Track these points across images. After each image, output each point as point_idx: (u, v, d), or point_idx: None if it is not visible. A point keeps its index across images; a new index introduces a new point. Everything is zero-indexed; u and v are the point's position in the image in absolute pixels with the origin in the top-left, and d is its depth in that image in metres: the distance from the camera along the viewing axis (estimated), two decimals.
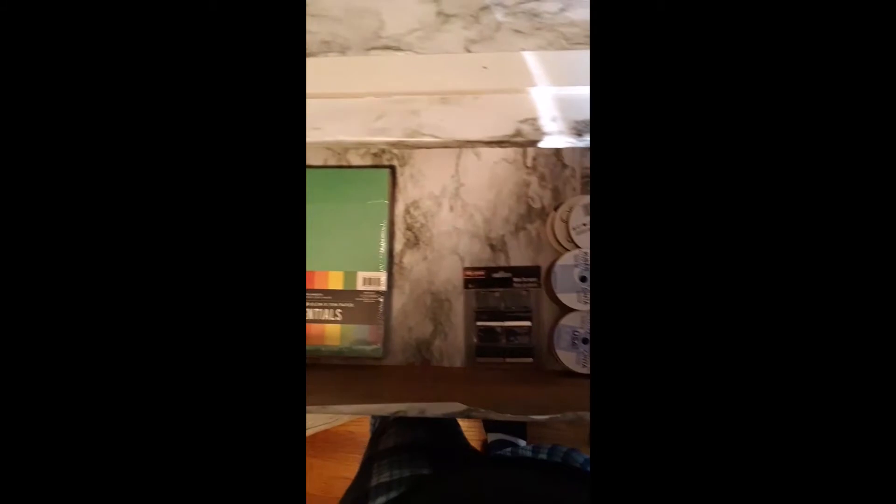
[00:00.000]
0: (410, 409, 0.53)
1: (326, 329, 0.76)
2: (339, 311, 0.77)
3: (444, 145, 0.47)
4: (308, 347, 0.77)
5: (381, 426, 0.81)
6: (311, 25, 0.50)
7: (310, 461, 1.38)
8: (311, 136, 0.49)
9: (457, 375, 0.68)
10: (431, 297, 0.76)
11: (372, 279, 0.77)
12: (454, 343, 0.74)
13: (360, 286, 0.77)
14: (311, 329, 0.77)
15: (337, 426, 1.37)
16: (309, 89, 0.49)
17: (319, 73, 0.49)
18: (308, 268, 0.78)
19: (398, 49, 0.49)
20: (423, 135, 0.48)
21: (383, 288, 0.76)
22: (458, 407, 0.50)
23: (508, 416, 0.49)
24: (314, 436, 1.38)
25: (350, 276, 0.77)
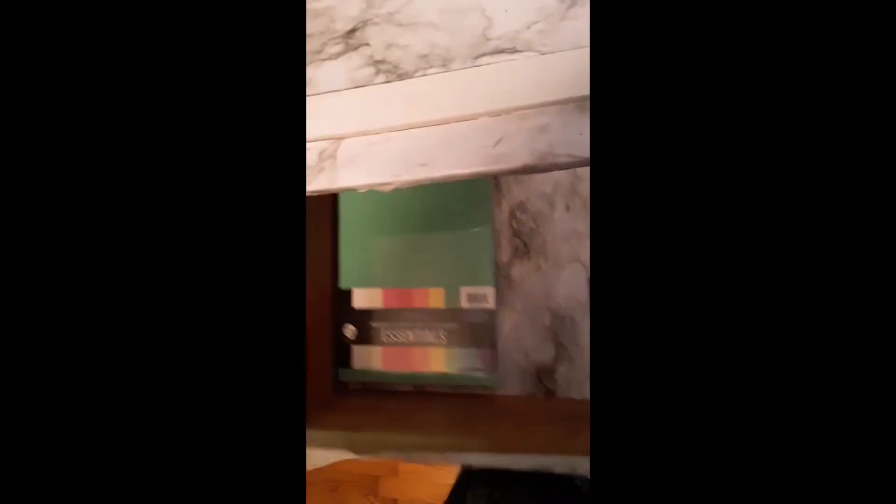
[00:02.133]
0: (557, 463, 0.45)
1: (431, 354, 0.70)
2: (443, 332, 0.69)
3: (586, 163, 0.37)
4: (412, 374, 0.70)
5: None
6: (403, 38, 0.41)
7: (420, 468, 1.36)
8: (417, 173, 0.40)
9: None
10: (550, 314, 0.67)
11: (477, 295, 0.68)
12: (583, 370, 0.65)
13: (464, 304, 0.68)
14: (414, 354, 0.70)
15: None
16: (408, 118, 0.40)
17: (419, 96, 0.40)
18: (405, 285, 0.71)
19: (514, 51, 0.39)
20: (558, 155, 0.38)
21: (491, 306, 0.67)
22: None
23: None
24: None
25: (452, 293, 0.69)
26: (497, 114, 0.39)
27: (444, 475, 1.28)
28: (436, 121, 0.40)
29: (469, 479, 0.66)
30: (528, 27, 0.39)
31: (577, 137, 0.38)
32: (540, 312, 0.66)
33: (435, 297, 0.69)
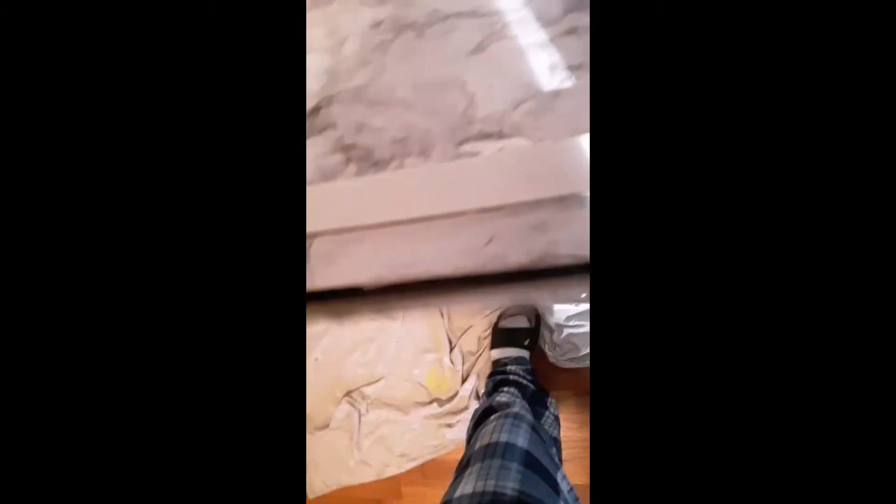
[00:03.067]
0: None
1: None
2: None
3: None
4: None
5: (466, 458, 0.72)
6: (374, 119, 0.35)
7: (423, 490, 1.37)
8: (401, 274, 0.36)
9: None
10: None
11: None
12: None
13: None
14: None
15: (444, 455, 1.33)
16: (389, 215, 0.35)
17: (398, 191, 0.35)
18: None
19: (501, 136, 0.34)
20: (559, 255, 0.34)
21: None
22: None
23: None
24: (423, 465, 1.35)
25: None
26: (486, 210, 0.34)
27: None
28: (419, 217, 0.35)
29: (466, 460, 0.66)
30: (516, 107, 0.34)
31: (579, 235, 0.34)
32: None
33: None
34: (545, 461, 0.67)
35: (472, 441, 0.74)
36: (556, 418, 1.04)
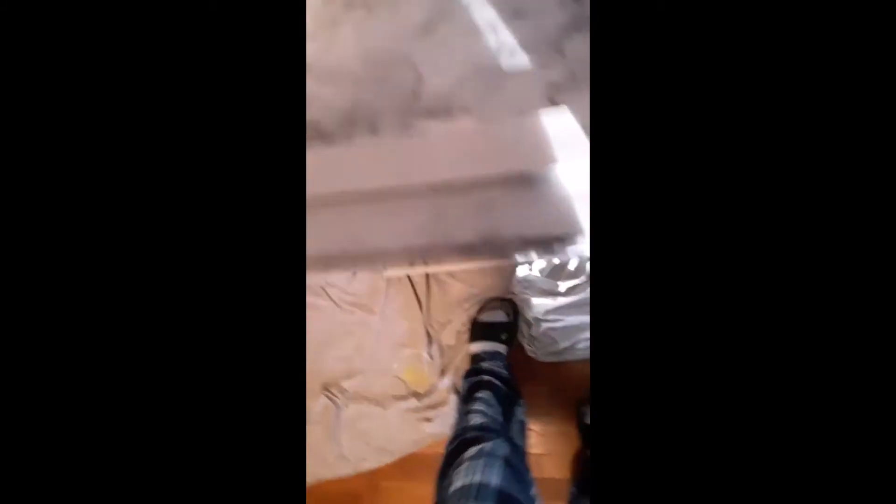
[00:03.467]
0: None
1: None
2: None
3: (538, 245, 0.33)
4: None
5: (449, 457, 0.73)
6: (325, 91, 0.35)
7: (401, 484, 1.36)
8: (347, 249, 0.35)
9: None
10: None
11: None
12: None
13: None
14: None
15: (423, 449, 1.33)
16: (335, 188, 0.35)
17: (347, 165, 0.35)
18: None
19: (448, 114, 0.34)
20: (506, 237, 0.34)
21: None
22: None
23: None
24: (401, 460, 1.34)
25: None
26: (435, 188, 0.34)
27: (426, 488, 1.27)
28: (368, 191, 0.35)
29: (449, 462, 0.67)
30: (463, 84, 0.33)
31: (525, 216, 0.33)
32: None
33: None
34: (522, 497, 0.67)
35: (445, 483, 0.74)
36: (523, 425, 1.04)
